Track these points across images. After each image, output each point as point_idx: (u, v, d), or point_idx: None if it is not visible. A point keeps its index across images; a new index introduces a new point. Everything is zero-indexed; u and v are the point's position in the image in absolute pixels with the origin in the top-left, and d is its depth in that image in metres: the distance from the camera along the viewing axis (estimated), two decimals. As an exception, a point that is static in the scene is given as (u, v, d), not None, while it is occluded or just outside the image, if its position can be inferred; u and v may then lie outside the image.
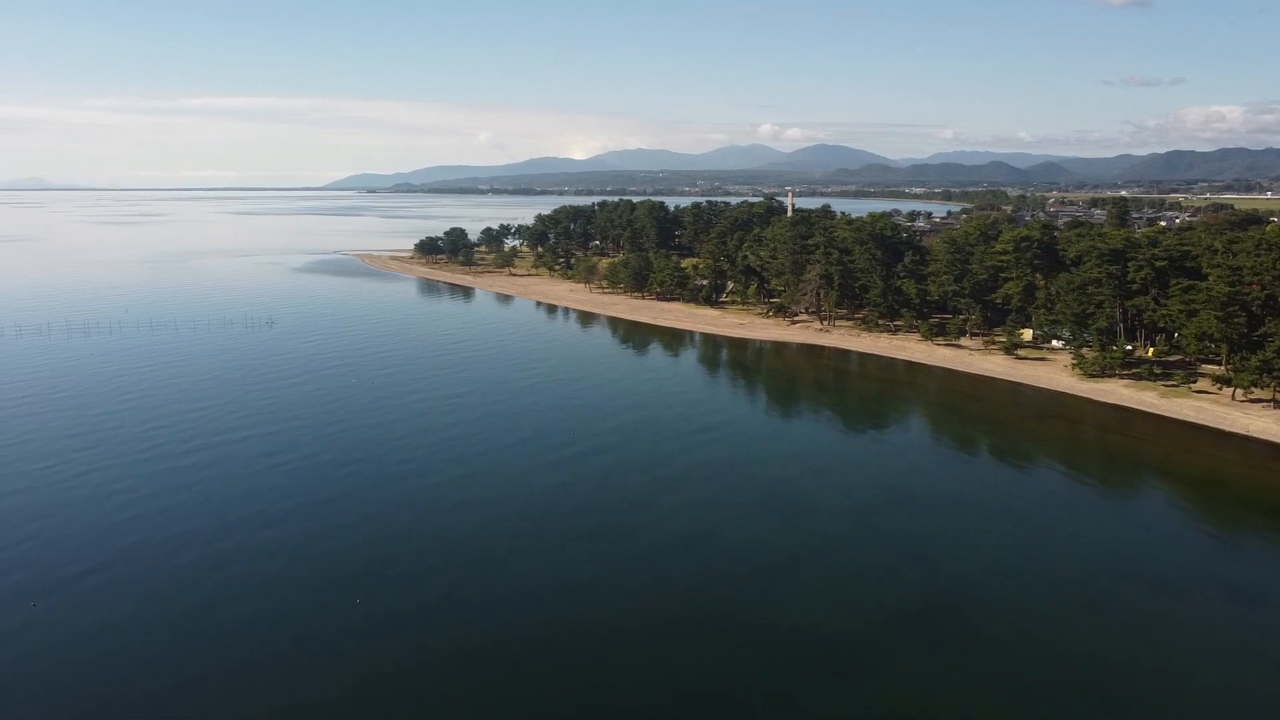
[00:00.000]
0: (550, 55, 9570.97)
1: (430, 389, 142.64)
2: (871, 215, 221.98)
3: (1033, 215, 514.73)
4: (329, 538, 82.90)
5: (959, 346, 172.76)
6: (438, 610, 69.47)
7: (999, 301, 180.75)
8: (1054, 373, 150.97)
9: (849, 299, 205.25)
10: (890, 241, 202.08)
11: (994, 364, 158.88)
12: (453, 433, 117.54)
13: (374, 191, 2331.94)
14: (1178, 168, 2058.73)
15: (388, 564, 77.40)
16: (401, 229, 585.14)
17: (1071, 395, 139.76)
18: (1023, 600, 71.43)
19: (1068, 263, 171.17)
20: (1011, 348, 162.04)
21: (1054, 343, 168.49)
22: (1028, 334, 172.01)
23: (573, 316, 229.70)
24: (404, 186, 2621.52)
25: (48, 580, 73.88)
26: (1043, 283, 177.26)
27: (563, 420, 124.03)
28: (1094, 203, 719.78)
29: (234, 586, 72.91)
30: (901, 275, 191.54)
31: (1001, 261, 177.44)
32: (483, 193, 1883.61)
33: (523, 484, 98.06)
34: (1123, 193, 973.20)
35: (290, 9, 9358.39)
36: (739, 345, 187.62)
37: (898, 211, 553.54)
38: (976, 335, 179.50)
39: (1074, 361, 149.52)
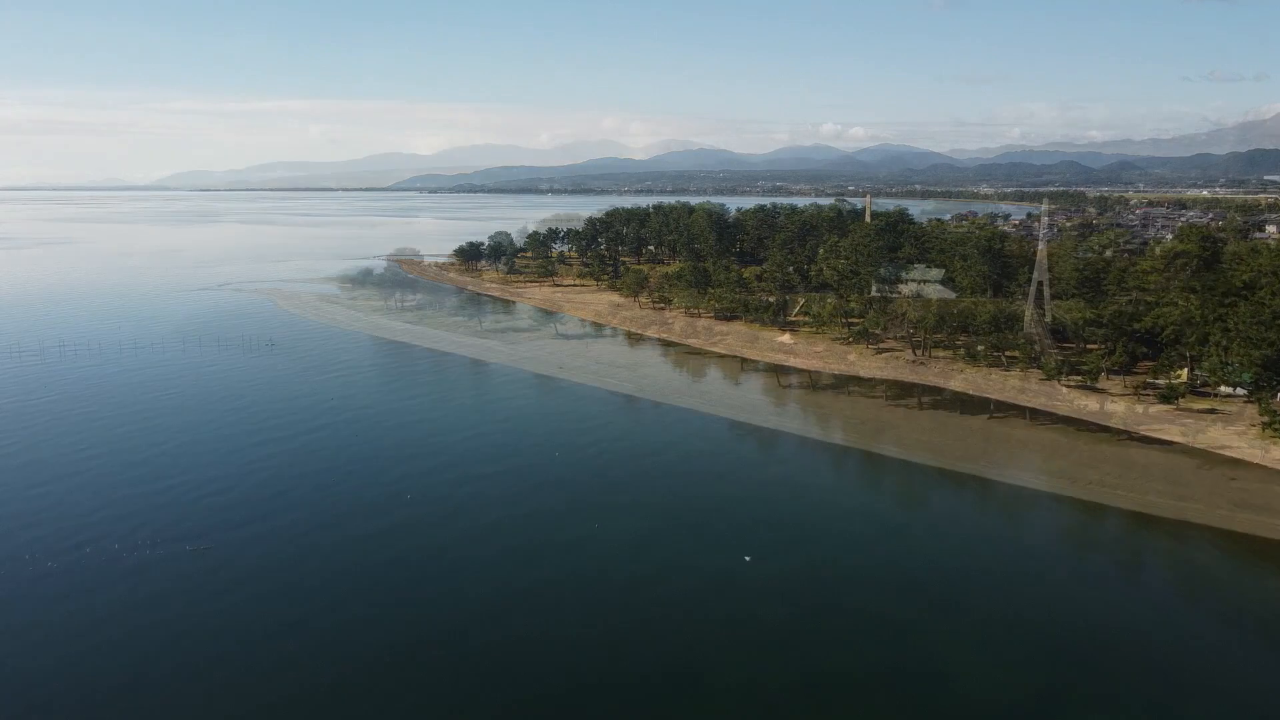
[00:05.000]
0: (611, 56, 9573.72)
1: (456, 458, 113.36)
2: (974, 222, 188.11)
3: (1118, 218, 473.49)
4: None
5: (1095, 390, 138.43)
6: None
7: (1141, 331, 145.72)
8: (1233, 436, 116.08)
9: (946, 322, 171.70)
10: (999, 254, 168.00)
11: (1150, 417, 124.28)
12: (479, 565, 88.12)
13: (435, 191, 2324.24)
14: (1261, 166, 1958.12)
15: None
16: (453, 231, 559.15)
17: (1264, 468, 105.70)
18: None
19: (1239, 287, 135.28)
20: (1172, 396, 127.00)
21: (1222, 388, 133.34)
22: (1182, 375, 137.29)
23: (620, 340, 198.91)
24: (466, 186, 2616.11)
25: None
26: (1197, 305, 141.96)
27: (582, 517, 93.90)
28: (1181, 204, 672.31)
29: None
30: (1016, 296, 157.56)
31: (1148, 283, 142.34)
32: (543, 192, 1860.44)
33: (526, 643, 68.23)
34: (1203, 192, 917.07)
35: (363, 16, 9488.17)
36: (818, 381, 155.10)
37: (973, 213, 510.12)
38: (1115, 375, 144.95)
39: (1266, 419, 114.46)
